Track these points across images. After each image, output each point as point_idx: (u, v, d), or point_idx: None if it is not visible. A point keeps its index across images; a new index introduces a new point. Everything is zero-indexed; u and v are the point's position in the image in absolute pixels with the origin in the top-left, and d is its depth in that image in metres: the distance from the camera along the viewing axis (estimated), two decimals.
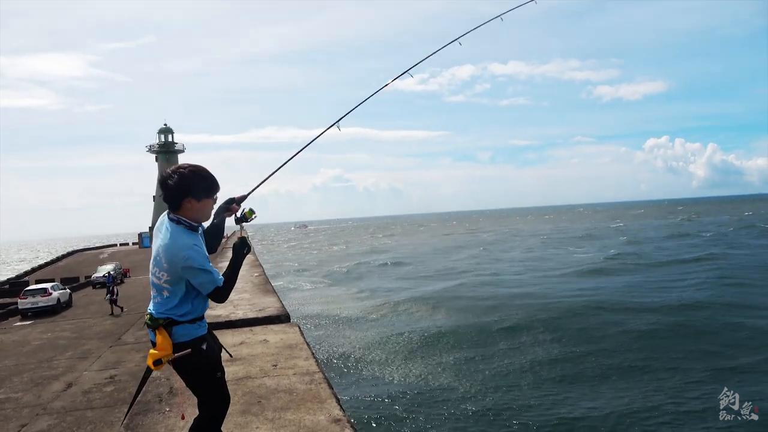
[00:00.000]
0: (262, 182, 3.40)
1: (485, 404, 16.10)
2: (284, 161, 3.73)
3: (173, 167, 2.84)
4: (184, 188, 2.77)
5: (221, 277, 2.80)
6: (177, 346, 2.79)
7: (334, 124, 4.00)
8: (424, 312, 30.35)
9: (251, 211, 3.02)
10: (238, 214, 3.03)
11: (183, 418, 3.10)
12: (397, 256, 67.93)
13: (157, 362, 2.77)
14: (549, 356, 20.42)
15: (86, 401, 9.74)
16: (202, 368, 2.89)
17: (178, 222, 2.80)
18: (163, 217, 2.89)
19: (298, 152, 3.87)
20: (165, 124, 79.34)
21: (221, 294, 2.79)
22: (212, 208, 2.93)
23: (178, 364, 2.83)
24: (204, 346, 2.87)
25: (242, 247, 2.94)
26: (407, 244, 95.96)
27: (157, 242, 2.83)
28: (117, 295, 21.61)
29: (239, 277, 2.99)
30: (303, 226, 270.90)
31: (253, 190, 3.24)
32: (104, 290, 32.12)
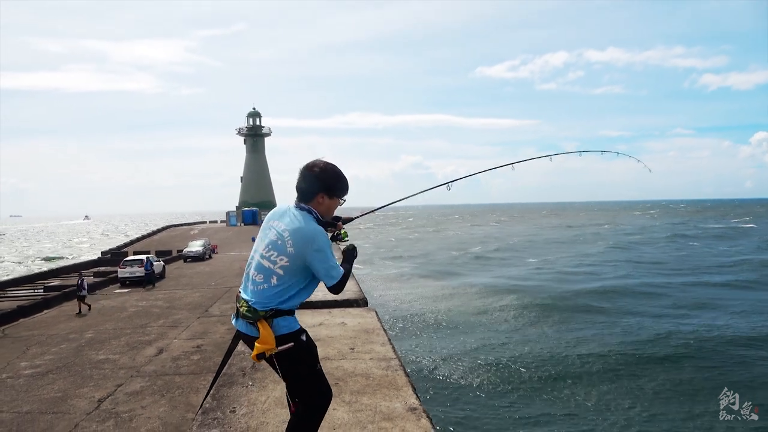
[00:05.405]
0: (367, 213, 3.58)
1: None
2: (389, 202, 4.04)
3: (316, 161, 2.92)
4: (322, 183, 2.85)
5: (342, 269, 2.81)
6: (278, 339, 2.70)
7: (446, 183, 4.39)
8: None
9: (346, 234, 3.21)
10: (335, 233, 3.19)
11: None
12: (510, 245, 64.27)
13: (261, 356, 2.71)
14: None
15: (175, 367, 10.36)
16: (303, 361, 2.81)
17: (309, 211, 2.85)
18: (285, 205, 2.97)
19: (407, 197, 4.20)
20: (254, 108, 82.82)
21: (341, 285, 2.77)
22: (335, 209, 3.03)
23: (279, 358, 2.73)
24: (304, 338, 2.82)
25: (353, 252, 3.09)
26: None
27: (281, 226, 2.81)
28: (86, 291, 18.05)
29: None
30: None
31: (359, 216, 3.43)
32: (195, 263, 34.12)
